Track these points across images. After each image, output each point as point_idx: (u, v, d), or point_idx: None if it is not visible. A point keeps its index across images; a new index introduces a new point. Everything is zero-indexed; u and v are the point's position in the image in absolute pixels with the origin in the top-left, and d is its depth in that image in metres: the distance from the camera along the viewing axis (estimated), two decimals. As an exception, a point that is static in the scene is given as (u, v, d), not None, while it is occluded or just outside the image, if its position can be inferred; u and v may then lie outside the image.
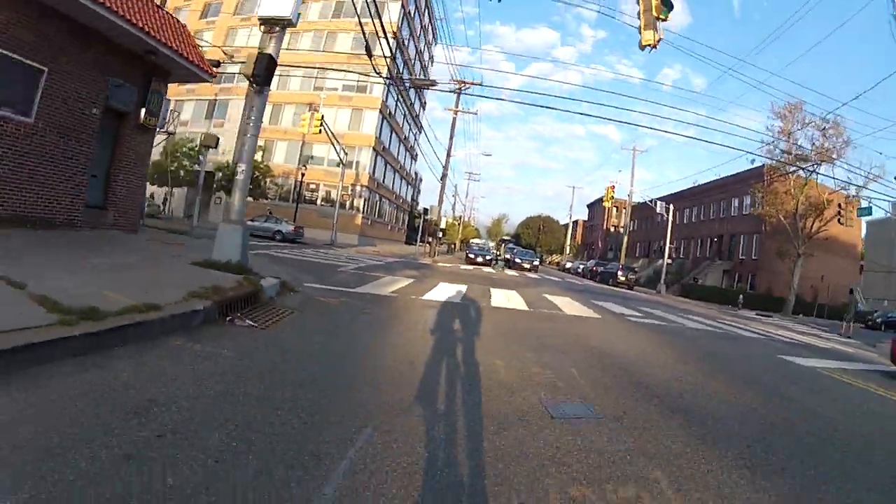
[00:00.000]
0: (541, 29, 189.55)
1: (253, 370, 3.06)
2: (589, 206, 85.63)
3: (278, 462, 1.95)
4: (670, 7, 7.61)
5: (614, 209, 67.31)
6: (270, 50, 6.86)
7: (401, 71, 35.83)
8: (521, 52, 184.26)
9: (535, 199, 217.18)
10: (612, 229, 72.23)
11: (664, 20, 7.78)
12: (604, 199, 33.40)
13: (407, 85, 33.40)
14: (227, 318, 4.27)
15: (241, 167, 6.94)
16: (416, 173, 58.03)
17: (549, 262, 72.42)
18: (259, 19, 6.88)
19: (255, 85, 6.80)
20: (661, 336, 7.84)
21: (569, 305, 10.35)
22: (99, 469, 1.71)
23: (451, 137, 28.16)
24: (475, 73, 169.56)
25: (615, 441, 2.73)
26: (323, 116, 23.98)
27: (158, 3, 10.05)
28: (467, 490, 1.99)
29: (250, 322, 4.30)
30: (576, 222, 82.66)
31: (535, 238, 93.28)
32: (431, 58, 53.12)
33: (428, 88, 39.40)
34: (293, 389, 2.80)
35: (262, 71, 6.59)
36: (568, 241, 66.76)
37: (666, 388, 4.22)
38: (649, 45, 7.84)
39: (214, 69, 11.53)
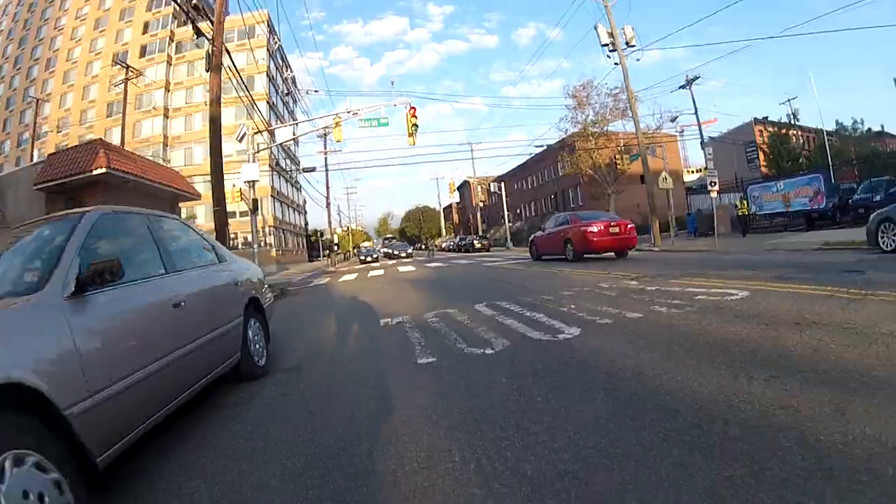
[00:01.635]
0: (388, 18, 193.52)
1: (292, 309, 11.62)
2: (459, 188, 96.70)
3: (366, 325, 10.61)
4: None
5: (478, 188, 78.76)
6: (253, 194, 15.26)
7: (271, 123, 43.46)
8: (374, 43, 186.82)
9: (416, 189, 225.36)
10: (482, 205, 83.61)
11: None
12: (450, 191, 43.21)
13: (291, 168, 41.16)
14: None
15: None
16: (303, 201, 65.87)
17: (435, 246, 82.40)
18: (244, 181, 15.25)
19: (253, 211, 15.22)
20: (434, 265, 17.11)
21: (406, 268, 19.60)
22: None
23: (327, 173, 36.48)
24: (332, 75, 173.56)
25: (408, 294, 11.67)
26: (240, 189, 31.47)
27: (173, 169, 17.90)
28: (371, 310, 10.81)
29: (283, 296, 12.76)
30: (449, 206, 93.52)
31: (418, 228, 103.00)
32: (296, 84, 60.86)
33: (309, 171, 47.28)
34: (322, 311, 11.40)
35: (255, 205, 14.99)
36: (443, 225, 76.70)
37: (431, 276, 13.27)
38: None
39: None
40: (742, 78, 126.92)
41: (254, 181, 18.39)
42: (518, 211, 66.76)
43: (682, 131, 40.47)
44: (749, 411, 2.40)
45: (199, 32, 13.48)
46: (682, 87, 31.80)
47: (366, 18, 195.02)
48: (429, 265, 21.24)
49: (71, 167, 15.23)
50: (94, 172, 14.64)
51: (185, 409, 3.26)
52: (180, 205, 21.09)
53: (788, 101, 45.98)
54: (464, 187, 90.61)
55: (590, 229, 13.69)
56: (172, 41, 53.40)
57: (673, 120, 38.04)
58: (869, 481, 1.70)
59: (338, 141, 22.20)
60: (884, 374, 2.70)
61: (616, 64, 23.32)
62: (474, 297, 8.26)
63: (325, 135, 34.53)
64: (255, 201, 18.00)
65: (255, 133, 20.80)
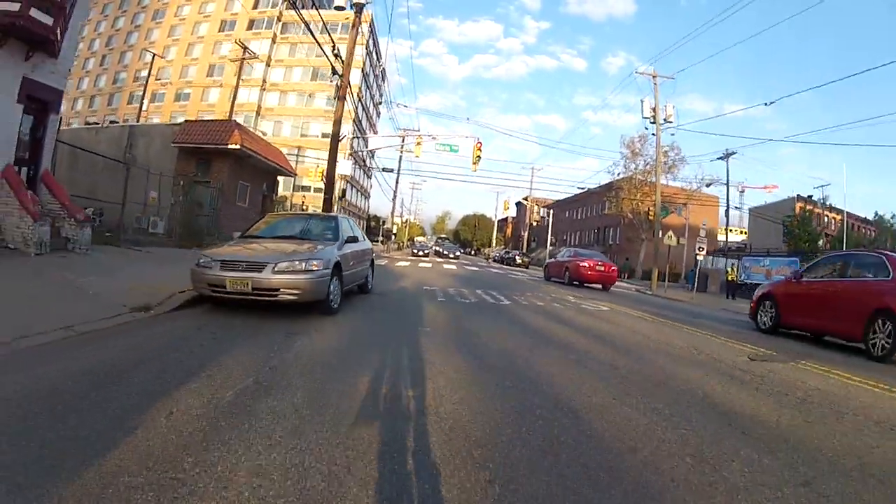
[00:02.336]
0: (483, 22, 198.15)
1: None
2: (517, 204, 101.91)
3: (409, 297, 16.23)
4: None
5: (535, 208, 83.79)
6: (343, 185, 21.08)
7: (359, 117, 50.17)
8: (465, 44, 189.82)
9: (478, 194, 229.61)
10: (535, 224, 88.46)
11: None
12: (504, 208, 48.42)
13: (367, 158, 47.29)
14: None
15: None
16: (370, 186, 72.63)
17: (484, 254, 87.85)
18: (339, 175, 21.05)
19: (340, 198, 21.00)
20: (473, 269, 22.44)
21: (449, 266, 25.09)
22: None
23: (398, 172, 42.43)
24: (420, 68, 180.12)
25: (458, 293, 17.17)
26: (323, 169, 37.91)
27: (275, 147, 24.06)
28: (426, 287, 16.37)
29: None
30: (504, 219, 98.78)
31: (471, 234, 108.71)
32: (381, 96, 67.63)
33: (388, 171, 53.80)
34: (394, 279, 17.03)
35: (342, 194, 20.77)
36: (494, 236, 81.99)
37: (464, 273, 18.72)
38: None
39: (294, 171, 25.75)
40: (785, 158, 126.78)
41: (344, 175, 24.29)
42: (564, 237, 71.32)
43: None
44: (545, 322, 7.72)
45: (334, 71, 19.22)
46: (721, 158, 35.94)
47: (462, 18, 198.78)
48: (468, 267, 26.66)
49: (208, 136, 20.87)
50: (230, 146, 20.39)
51: (353, 294, 8.82)
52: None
53: (822, 187, 48.77)
54: (521, 204, 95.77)
55: (582, 264, 18.83)
56: (279, 20, 58.26)
57: (708, 185, 42.29)
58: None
59: (417, 157, 27.82)
60: (628, 351, 7.96)
61: (653, 134, 28.14)
62: (480, 287, 13.72)
63: (404, 137, 40.50)
64: (343, 191, 23.83)
65: (353, 138, 26.74)
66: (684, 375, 4.95)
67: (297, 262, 6.08)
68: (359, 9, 17.76)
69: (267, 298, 5.95)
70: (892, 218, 52.87)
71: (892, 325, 6.85)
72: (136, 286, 6.82)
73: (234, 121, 24.40)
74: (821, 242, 47.86)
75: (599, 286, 19.43)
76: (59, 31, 10.09)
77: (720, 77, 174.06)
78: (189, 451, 2.29)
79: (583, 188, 49.42)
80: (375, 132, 54.33)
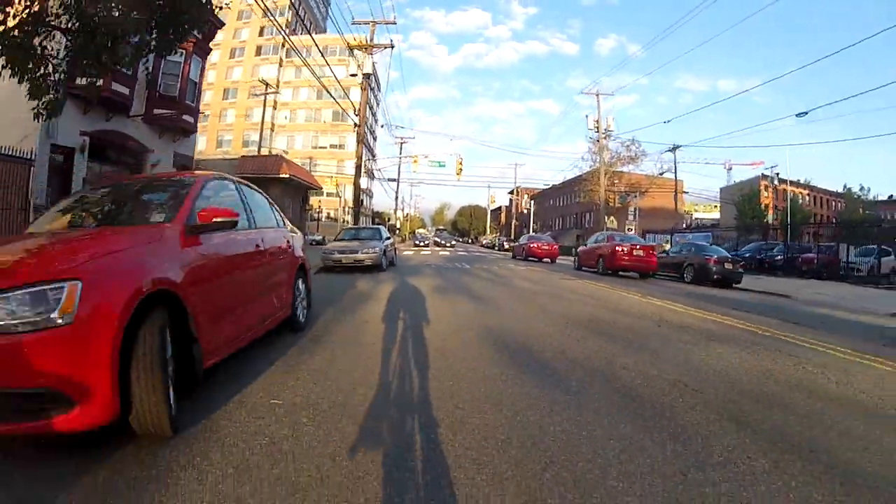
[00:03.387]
0: (471, 10, 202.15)
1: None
2: (508, 193, 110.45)
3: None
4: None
5: (524, 197, 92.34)
6: (360, 196, 29.42)
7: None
8: (454, 33, 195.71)
9: (477, 183, 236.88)
10: (525, 212, 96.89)
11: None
12: (491, 202, 56.83)
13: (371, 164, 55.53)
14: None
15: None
16: (372, 185, 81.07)
17: (479, 242, 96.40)
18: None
19: (358, 205, 29.37)
20: (461, 253, 30.76)
21: (445, 252, 33.51)
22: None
23: (398, 179, 50.77)
24: (408, 58, 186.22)
25: (452, 263, 25.56)
26: (337, 179, 46.33)
27: (307, 170, 32.40)
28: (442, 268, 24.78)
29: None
30: (498, 208, 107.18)
31: (468, 223, 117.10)
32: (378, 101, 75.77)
33: (392, 181, 62.33)
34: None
35: (360, 203, 29.13)
36: (488, 224, 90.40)
37: (455, 255, 27.11)
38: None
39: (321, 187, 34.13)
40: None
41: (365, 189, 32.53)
42: (549, 223, 79.78)
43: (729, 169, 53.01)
44: (476, 273, 16.08)
45: (356, 125, 27.38)
46: (670, 150, 44.12)
47: (449, 8, 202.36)
48: (458, 252, 34.99)
49: (262, 168, 29.25)
50: (281, 176, 28.88)
51: (390, 265, 17.17)
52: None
53: (771, 167, 56.73)
54: (512, 194, 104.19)
55: (531, 245, 27.15)
56: (284, 46, 65.38)
57: (661, 174, 50.53)
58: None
59: (414, 172, 36.05)
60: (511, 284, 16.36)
61: (596, 141, 36.43)
62: (459, 262, 22.02)
63: (402, 144, 48.79)
64: (361, 201, 31.99)
65: (366, 160, 34.90)
66: (520, 284, 13.29)
67: (367, 249, 14.44)
68: (367, 77, 26.01)
69: (358, 265, 14.30)
70: (860, 190, 61.08)
71: (603, 261, 15.28)
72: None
73: (281, 156, 32.98)
74: (770, 217, 56.01)
75: (549, 260, 27.75)
76: (195, 122, 18.61)
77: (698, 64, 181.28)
78: (372, 290, 10.64)
79: (560, 182, 57.04)
80: (375, 138, 62.54)
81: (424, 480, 2.29)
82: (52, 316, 2.20)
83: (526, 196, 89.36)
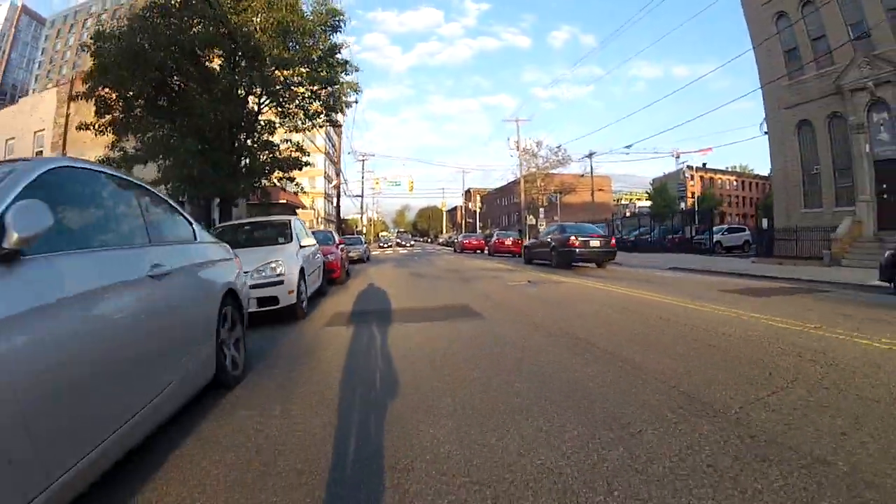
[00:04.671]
0: (423, 10, 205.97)
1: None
2: (464, 194, 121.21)
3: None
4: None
5: (477, 197, 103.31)
6: (338, 212, 39.43)
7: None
8: (406, 33, 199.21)
9: (434, 183, 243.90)
10: (477, 211, 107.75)
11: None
12: (442, 207, 67.29)
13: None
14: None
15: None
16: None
17: (437, 241, 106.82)
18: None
19: (339, 221, 39.29)
20: (417, 251, 41.00)
21: (404, 250, 43.83)
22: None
23: (363, 194, 60.63)
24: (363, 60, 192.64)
25: (412, 257, 35.76)
26: (314, 196, 55.91)
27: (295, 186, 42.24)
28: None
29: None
30: (454, 208, 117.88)
31: (427, 224, 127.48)
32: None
33: (357, 196, 72.35)
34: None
35: (339, 221, 39.11)
36: (444, 224, 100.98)
37: (412, 252, 37.33)
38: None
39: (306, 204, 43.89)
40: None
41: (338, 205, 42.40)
42: (499, 220, 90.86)
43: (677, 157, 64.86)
44: (421, 260, 26.40)
45: (337, 172, 37.26)
46: (586, 156, 55.20)
47: (401, 7, 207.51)
48: (415, 250, 45.18)
49: (266, 195, 39.06)
50: (280, 201, 38.61)
51: (365, 259, 27.26)
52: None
53: (682, 161, 68.62)
54: (467, 195, 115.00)
55: (465, 241, 37.53)
56: None
57: (582, 176, 61.80)
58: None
59: (376, 192, 46.08)
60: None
61: (516, 160, 47.14)
62: (414, 257, 32.32)
63: (364, 161, 58.67)
64: (341, 220, 41.84)
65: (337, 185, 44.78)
66: (471, 269, 23.62)
67: (357, 246, 24.61)
68: (339, 127, 36.03)
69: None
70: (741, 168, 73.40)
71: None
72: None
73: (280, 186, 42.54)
74: (682, 205, 67.67)
75: (481, 251, 38.11)
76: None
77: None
78: (400, 261, 20.79)
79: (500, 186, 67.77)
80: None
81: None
82: None
83: (478, 196, 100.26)
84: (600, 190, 65.01)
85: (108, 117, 13.75)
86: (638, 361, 4.42)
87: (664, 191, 65.43)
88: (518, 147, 46.55)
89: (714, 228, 31.87)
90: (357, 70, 16.75)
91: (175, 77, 14.13)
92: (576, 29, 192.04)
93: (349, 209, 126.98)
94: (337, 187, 35.89)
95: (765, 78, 24.13)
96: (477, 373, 4.24)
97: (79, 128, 14.29)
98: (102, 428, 2.13)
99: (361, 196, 59.05)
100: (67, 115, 27.43)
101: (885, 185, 19.74)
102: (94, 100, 13.73)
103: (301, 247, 8.50)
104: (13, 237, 1.76)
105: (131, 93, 13.12)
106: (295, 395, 3.86)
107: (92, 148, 15.09)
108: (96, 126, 13.86)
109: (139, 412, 2.45)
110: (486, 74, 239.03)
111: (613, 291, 10.31)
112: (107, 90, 13.36)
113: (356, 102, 36.14)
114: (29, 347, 1.73)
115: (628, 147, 54.25)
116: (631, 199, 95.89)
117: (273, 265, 7.30)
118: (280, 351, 5.58)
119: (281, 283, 7.25)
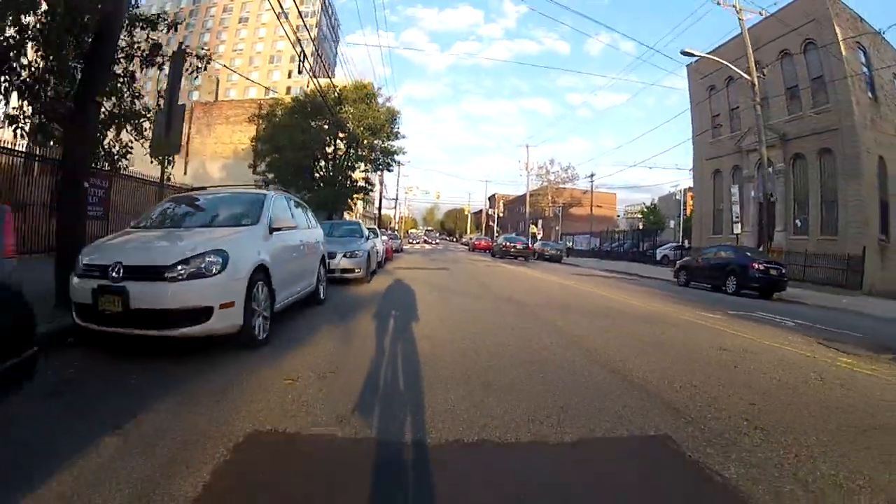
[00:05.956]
0: (462, 8, 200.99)
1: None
2: (487, 199, 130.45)
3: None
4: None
5: (500, 202, 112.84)
6: (380, 215, 49.90)
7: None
8: (445, 32, 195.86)
9: (466, 182, 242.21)
10: (500, 216, 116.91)
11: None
12: (466, 212, 77.34)
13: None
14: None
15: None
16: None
17: (462, 241, 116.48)
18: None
19: (380, 219, 49.69)
20: (440, 248, 51.06)
21: (429, 246, 54.07)
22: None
23: (397, 196, 70.95)
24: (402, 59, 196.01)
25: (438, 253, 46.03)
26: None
27: None
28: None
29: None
30: (479, 211, 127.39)
31: (454, 224, 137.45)
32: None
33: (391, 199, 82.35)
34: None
35: (380, 218, 49.50)
36: (468, 226, 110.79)
37: (437, 249, 47.53)
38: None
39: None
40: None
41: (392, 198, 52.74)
42: (517, 226, 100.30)
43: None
44: (442, 254, 36.40)
45: (380, 181, 47.45)
46: (588, 178, 64.45)
47: (441, 6, 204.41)
48: (438, 247, 55.28)
49: None
50: None
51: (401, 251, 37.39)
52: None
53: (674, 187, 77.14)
54: (493, 198, 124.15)
55: (475, 243, 47.40)
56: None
57: (584, 192, 70.91)
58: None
59: (408, 194, 56.28)
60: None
61: (526, 179, 56.75)
62: (438, 254, 42.44)
63: (399, 165, 69.00)
64: (380, 217, 52.05)
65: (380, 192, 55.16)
66: (463, 259, 33.60)
67: (394, 241, 34.82)
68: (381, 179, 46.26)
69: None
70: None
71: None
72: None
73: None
74: (672, 223, 75.95)
75: (488, 251, 47.81)
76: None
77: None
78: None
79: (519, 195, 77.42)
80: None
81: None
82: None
83: (502, 202, 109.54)
84: (598, 206, 74.12)
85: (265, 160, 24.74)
86: (507, 294, 14.41)
87: (655, 214, 73.92)
88: (527, 168, 56.14)
89: (665, 245, 41.08)
90: (404, 137, 27.58)
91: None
92: (616, 35, 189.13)
93: (384, 205, 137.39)
94: (379, 193, 46.08)
95: (696, 132, 33.48)
96: (452, 287, 14.26)
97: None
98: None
99: (396, 199, 69.64)
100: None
101: (763, 219, 28.99)
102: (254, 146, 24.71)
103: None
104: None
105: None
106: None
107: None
108: (255, 165, 24.79)
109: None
110: (524, 77, 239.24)
111: (523, 271, 20.29)
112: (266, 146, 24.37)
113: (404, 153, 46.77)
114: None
115: (591, 175, 64.32)
116: (634, 215, 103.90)
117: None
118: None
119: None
